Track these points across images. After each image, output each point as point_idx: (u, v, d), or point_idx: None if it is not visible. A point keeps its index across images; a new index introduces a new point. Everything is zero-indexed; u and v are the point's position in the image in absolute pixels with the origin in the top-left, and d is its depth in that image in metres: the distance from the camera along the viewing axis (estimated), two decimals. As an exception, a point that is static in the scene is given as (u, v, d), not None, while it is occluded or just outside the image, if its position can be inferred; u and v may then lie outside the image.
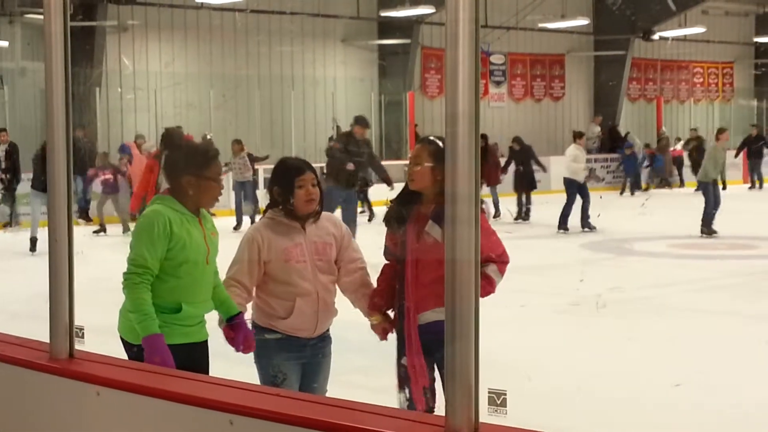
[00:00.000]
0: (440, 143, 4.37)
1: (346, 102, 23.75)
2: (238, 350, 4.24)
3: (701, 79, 31.40)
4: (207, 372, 4.11)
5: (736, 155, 24.86)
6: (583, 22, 26.35)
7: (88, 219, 17.54)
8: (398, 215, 4.39)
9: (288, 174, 4.34)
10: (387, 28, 24.29)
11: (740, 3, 30.71)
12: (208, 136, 20.02)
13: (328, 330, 4.47)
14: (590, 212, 15.68)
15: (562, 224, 15.65)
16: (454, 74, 2.07)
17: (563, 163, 16.48)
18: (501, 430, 2.10)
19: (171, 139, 4.27)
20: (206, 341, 4.23)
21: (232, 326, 4.23)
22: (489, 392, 2.79)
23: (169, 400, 2.63)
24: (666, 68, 30.26)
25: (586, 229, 15.53)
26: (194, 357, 4.04)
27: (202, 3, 21.01)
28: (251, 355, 4.38)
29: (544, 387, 6.59)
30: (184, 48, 21.69)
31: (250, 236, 4.35)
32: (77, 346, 3.17)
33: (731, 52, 31.68)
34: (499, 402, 2.27)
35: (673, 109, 30.14)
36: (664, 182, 25.48)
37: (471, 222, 2.07)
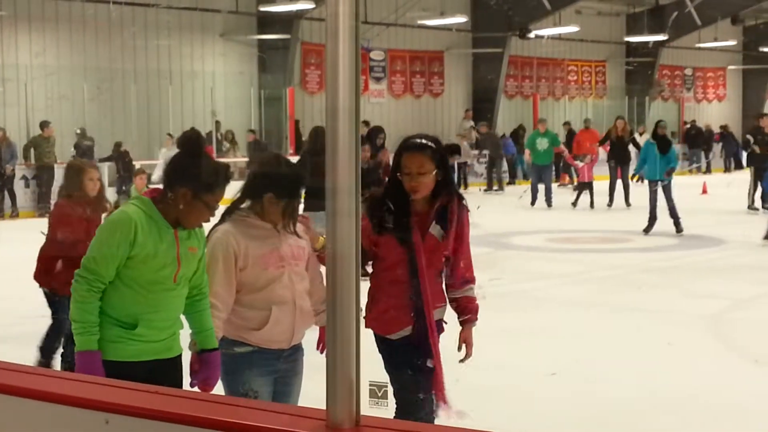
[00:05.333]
0: (433, 144, 4.27)
1: (225, 96, 23.51)
2: (192, 386, 3.80)
3: (575, 77, 32.24)
4: None
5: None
6: (461, 19, 26.71)
7: None
8: (397, 220, 4.23)
9: (295, 182, 4.03)
10: (266, 22, 24.14)
11: (612, 3, 31.64)
12: (78, 130, 19.51)
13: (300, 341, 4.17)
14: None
15: None
16: (335, 68, 2.06)
17: None
18: (382, 422, 2.11)
19: (191, 142, 3.73)
20: (175, 359, 3.78)
21: (201, 359, 3.81)
22: (370, 385, 2.80)
23: (40, 400, 2.55)
24: (542, 66, 30.95)
25: None
26: (155, 377, 3.46)
27: (75, -7, 20.49)
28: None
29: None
30: (55, 39, 21.07)
31: (224, 242, 3.90)
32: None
33: (604, 51, 32.62)
34: (380, 394, 2.28)
35: (549, 105, 30.85)
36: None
37: (351, 215, 2.07)
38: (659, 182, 14.09)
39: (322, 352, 4.17)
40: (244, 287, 3.96)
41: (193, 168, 3.63)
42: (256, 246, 3.93)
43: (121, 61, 21.58)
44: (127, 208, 3.64)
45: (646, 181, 14.81)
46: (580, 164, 19.03)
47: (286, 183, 4.00)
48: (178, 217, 3.64)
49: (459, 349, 4.50)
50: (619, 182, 18.49)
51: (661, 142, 14.31)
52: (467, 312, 4.53)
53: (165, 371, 3.69)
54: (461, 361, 4.50)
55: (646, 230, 14.35)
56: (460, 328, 4.51)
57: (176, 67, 22.76)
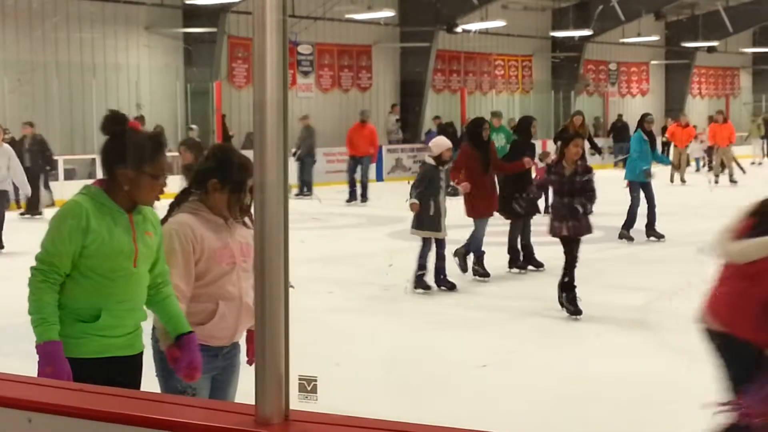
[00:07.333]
0: None
1: (151, 90, 23.18)
2: (179, 375, 3.76)
3: (502, 71, 32.50)
4: None
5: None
6: (389, 13, 26.73)
7: None
8: None
9: (242, 171, 3.93)
10: (192, 15, 23.83)
11: (537, -2, 32.01)
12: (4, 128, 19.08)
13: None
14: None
15: None
16: (262, 62, 2.06)
17: None
18: (311, 416, 2.11)
19: (112, 123, 3.72)
20: (137, 356, 3.75)
21: (179, 345, 3.73)
22: (299, 379, 2.79)
23: (-39, 401, 2.49)
24: (469, 60, 31.13)
25: None
26: (116, 375, 3.51)
27: (-6, -17, 20.00)
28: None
29: (353, 372, 6.67)
30: (-25, 31, 20.57)
31: (182, 233, 3.87)
32: None
33: (530, 46, 32.94)
34: (309, 388, 2.27)
35: (476, 100, 31.06)
36: None
37: (280, 209, 2.07)
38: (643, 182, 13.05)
39: (251, 365, 4.12)
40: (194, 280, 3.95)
41: (124, 145, 3.61)
42: (211, 239, 3.93)
43: (42, 53, 21.11)
44: (76, 197, 3.61)
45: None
46: (540, 164, 16.23)
47: (232, 169, 3.98)
48: (131, 198, 3.62)
49: None
50: None
51: (651, 138, 13.31)
52: None
53: (125, 369, 3.66)
54: None
55: (630, 237, 13.27)
56: None
57: (100, 60, 22.36)
